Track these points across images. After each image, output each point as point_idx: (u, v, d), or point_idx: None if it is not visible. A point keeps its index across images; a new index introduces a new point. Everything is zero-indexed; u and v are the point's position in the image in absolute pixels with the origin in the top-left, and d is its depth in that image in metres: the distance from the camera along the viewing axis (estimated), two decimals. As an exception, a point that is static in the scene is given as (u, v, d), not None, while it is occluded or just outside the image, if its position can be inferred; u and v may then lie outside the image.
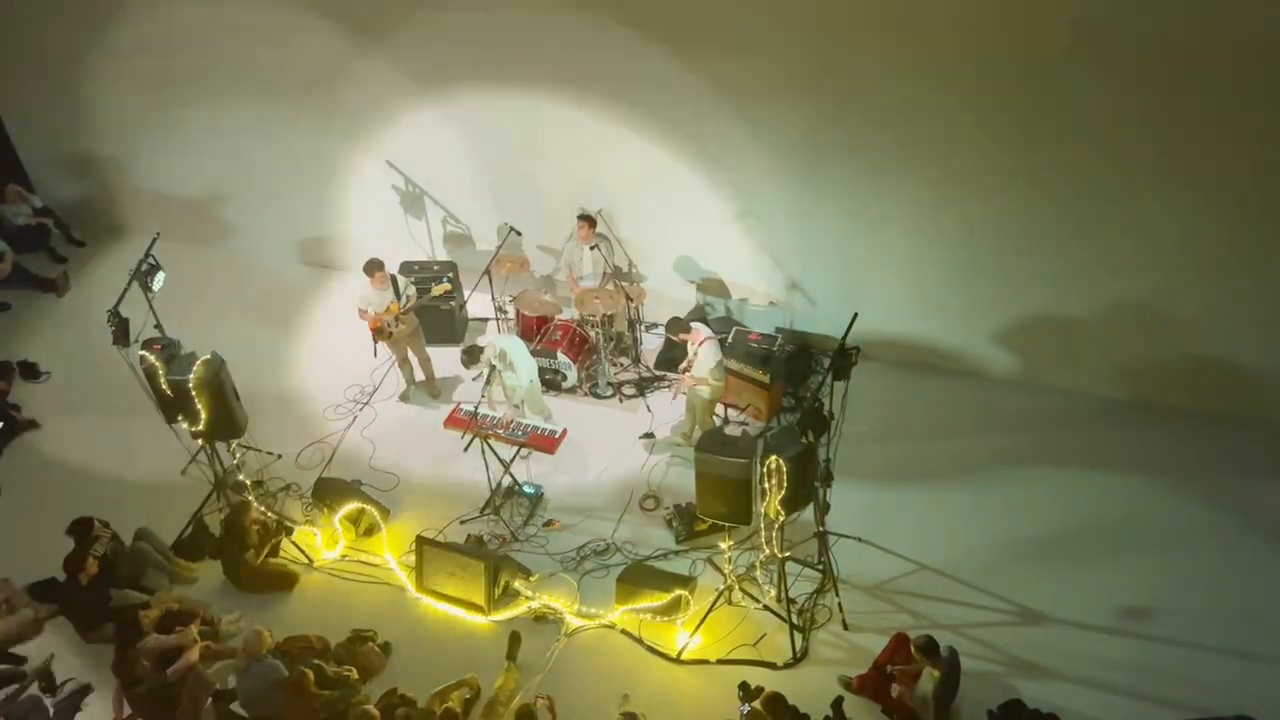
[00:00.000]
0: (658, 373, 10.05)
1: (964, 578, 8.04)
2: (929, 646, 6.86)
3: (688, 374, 8.74)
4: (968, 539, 8.35)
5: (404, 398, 10.06)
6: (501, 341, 8.80)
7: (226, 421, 8.11)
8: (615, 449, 9.36)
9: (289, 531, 8.57)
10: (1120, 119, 7.91)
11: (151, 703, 7.38)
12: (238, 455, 8.68)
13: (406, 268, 10.33)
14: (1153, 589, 7.88)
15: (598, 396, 9.93)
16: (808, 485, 7.20)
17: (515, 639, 7.76)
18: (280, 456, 9.36)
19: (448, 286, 9.66)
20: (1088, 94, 7.83)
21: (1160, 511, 8.45)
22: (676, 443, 9.29)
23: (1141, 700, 7.21)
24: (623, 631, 7.88)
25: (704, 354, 8.55)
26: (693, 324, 8.73)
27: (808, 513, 7.53)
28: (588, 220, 9.60)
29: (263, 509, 8.55)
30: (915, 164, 8.65)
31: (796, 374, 9.78)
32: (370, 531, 8.68)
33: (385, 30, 9.51)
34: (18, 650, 7.87)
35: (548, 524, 8.74)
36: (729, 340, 9.48)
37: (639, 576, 8.00)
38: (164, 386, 7.90)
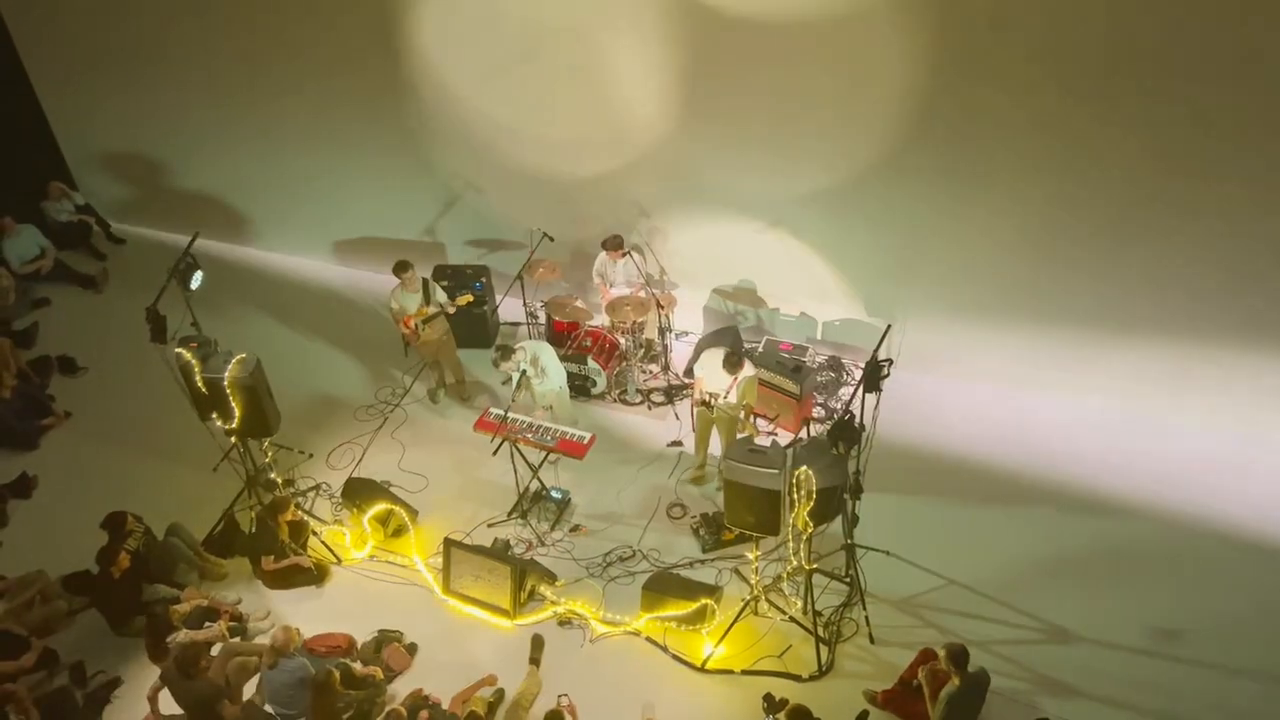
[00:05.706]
0: (687, 380, 10.02)
1: (993, 594, 7.98)
2: (959, 656, 6.69)
3: (719, 399, 8.36)
4: (997, 555, 8.27)
5: (433, 400, 10.11)
6: (533, 346, 8.83)
7: (259, 420, 8.18)
8: (643, 456, 9.37)
9: (315, 534, 8.62)
10: (1172, 124, 7.78)
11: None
12: (270, 454, 8.77)
13: (439, 271, 10.40)
14: (1184, 610, 7.78)
15: (626, 403, 9.95)
16: (837, 497, 7.17)
17: (539, 643, 7.77)
18: (311, 456, 9.45)
19: (470, 298, 9.69)
20: (1137, 97, 7.73)
21: (1193, 532, 8.34)
22: (690, 480, 9.11)
23: (1170, 723, 7.14)
24: (647, 639, 7.87)
25: (745, 382, 8.26)
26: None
27: (836, 524, 7.50)
28: (614, 245, 9.66)
29: (297, 505, 8.62)
30: (950, 175, 8.59)
31: (827, 385, 9.74)
32: (399, 532, 8.74)
33: (430, 39, 9.60)
34: (50, 641, 7.97)
35: (574, 529, 8.75)
36: (760, 349, 9.46)
37: (665, 584, 7.99)
38: (199, 384, 7.99)
